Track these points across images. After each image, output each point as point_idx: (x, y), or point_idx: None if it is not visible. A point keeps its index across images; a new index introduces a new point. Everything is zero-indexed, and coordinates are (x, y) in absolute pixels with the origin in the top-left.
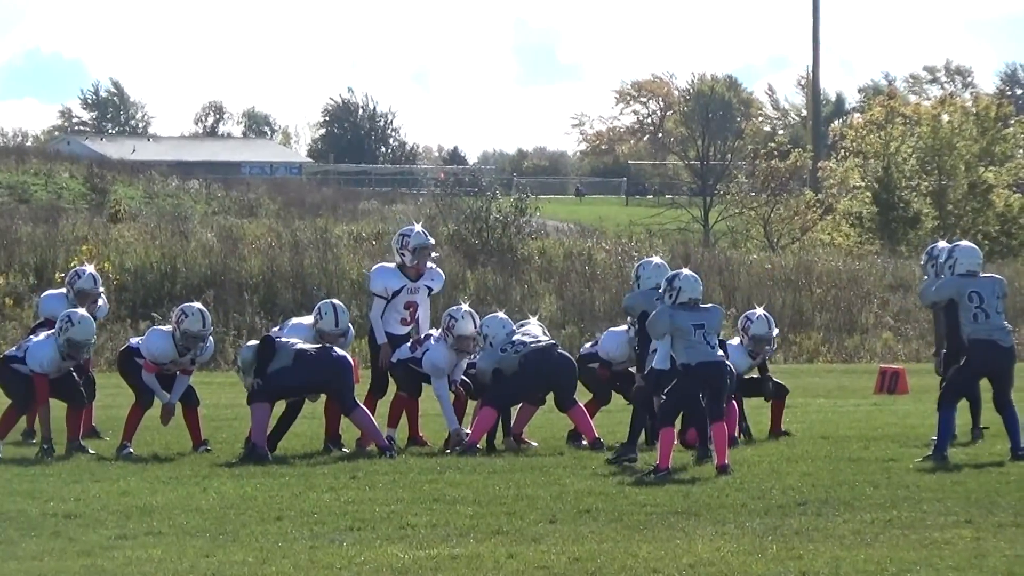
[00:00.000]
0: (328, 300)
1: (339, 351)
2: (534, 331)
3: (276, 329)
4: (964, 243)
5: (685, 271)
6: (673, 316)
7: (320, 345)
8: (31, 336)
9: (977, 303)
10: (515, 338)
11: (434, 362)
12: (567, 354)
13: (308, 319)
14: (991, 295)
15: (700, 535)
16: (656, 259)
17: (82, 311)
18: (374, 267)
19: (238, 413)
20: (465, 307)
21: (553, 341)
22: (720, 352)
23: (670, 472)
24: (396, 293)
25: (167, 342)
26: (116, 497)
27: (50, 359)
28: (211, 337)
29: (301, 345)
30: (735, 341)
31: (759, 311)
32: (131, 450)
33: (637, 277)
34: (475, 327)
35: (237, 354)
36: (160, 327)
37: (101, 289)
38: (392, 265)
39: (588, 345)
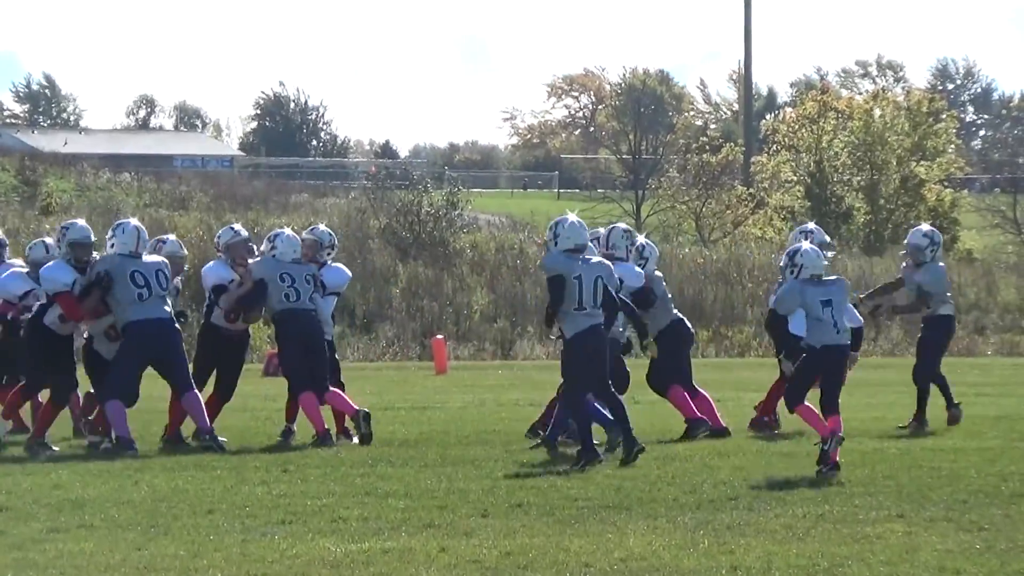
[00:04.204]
0: (280, 229)
1: (177, 327)
2: None
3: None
4: (806, 245)
5: (806, 245)
6: (803, 292)
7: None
8: None
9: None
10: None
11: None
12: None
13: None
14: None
15: (632, 529)
16: (572, 216)
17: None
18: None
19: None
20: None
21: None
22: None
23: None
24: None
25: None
26: (48, 490)
27: (62, 269)
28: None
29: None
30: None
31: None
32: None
33: (555, 236)
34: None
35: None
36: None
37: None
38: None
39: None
